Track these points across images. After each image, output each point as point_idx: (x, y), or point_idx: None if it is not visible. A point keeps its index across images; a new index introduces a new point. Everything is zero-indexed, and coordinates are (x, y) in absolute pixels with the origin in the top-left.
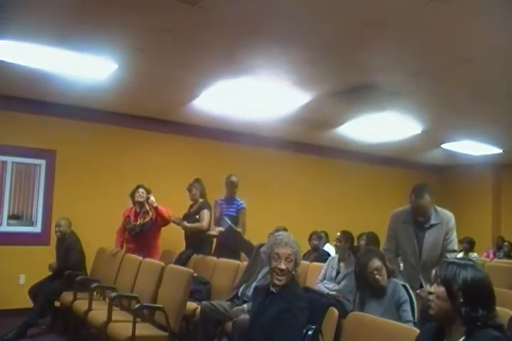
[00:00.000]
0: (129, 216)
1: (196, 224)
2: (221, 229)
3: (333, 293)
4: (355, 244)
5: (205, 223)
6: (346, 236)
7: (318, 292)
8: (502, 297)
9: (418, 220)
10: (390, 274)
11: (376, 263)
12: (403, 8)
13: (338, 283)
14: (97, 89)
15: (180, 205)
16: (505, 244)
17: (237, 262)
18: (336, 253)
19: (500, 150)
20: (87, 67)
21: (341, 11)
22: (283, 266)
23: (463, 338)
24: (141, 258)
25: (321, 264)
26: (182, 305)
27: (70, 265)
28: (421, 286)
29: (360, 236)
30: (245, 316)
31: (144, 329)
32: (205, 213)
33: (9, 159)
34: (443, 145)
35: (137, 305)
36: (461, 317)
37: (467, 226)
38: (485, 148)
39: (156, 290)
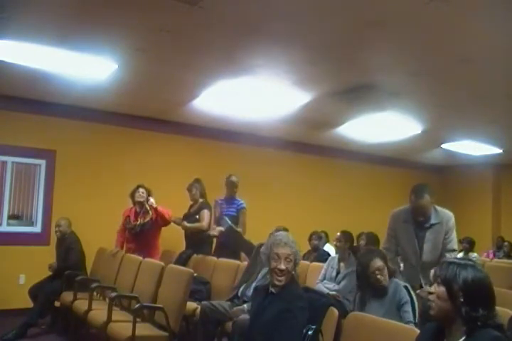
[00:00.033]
0: (129, 216)
1: (196, 224)
2: (221, 228)
3: (333, 293)
4: (355, 243)
5: (205, 223)
6: (346, 236)
7: (318, 292)
8: (502, 297)
9: (418, 220)
10: (392, 274)
11: (378, 263)
12: (403, 8)
13: (338, 283)
14: (97, 89)
15: (180, 205)
16: (505, 244)
17: (237, 262)
18: (336, 253)
19: (500, 150)
20: (87, 67)
21: (341, 11)
22: (283, 266)
23: (463, 338)
24: (141, 258)
25: (321, 264)
26: (182, 305)
27: (70, 265)
28: (421, 286)
29: (360, 236)
30: (245, 316)
31: (144, 329)
32: (205, 213)
33: (9, 159)
34: (443, 145)
35: (137, 305)
36: (462, 317)
37: (467, 226)
38: (485, 148)
39: (156, 290)
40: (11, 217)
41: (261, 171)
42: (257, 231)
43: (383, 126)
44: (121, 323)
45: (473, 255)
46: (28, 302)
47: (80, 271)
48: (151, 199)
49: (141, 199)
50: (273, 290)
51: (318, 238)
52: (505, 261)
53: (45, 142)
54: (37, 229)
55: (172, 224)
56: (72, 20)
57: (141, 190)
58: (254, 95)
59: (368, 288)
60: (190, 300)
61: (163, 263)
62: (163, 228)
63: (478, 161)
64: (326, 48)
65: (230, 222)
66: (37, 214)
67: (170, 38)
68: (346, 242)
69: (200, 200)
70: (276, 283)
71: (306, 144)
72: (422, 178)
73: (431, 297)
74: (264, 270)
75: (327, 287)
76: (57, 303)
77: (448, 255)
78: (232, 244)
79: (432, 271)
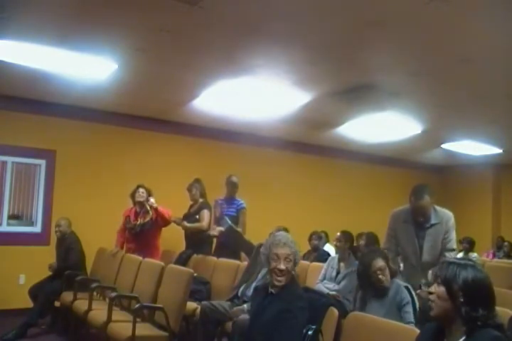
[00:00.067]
0: (129, 216)
1: (196, 224)
2: (221, 228)
3: (333, 293)
4: (354, 243)
5: (205, 223)
6: (346, 236)
7: (318, 292)
8: (502, 297)
9: (418, 221)
10: (393, 275)
11: (380, 263)
12: (403, 8)
13: (338, 283)
14: (97, 89)
15: (180, 205)
16: (505, 244)
17: (237, 262)
18: (336, 253)
19: (500, 150)
20: (87, 67)
21: (341, 11)
22: (282, 267)
23: (463, 338)
24: (141, 258)
25: (321, 264)
26: (182, 305)
27: (70, 265)
28: (421, 286)
29: (359, 236)
30: (245, 316)
31: (144, 329)
32: (205, 213)
33: (9, 159)
34: (443, 145)
35: (137, 305)
36: (462, 316)
37: (467, 226)
38: (485, 148)
39: (156, 290)
40: (11, 217)
41: (261, 171)
42: (257, 231)
43: (383, 126)
44: (121, 323)
45: (473, 255)
46: (28, 302)
47: (80, 271)
48: (152, 199)
49: (141, 199)
50: (272, 290)
51: (318, 238)
52: (505, 261)
53: (45, 142)
54: (37, 229)
55: (172, 224)
56: (72, 20)
57: (141, 190)
58: (254, 95)
59: (369, 288)
60: (190, 300)
61: (163, 263)
62: (163, 228)
63: (478, 161)
64: (326, 48)
65: (230, 222)
66: (37, 214)
67: (170, 38)
68: (346, 242)
69: (200, 200)
70: (276, 283)
71: (306, 144)
72: (422, 178)
73: (431, 297)
74: (264, 270)
75: (327, 287)
76: (57, 303)
77: (447, 254)
78: (232, 244)
79: (430, 272)
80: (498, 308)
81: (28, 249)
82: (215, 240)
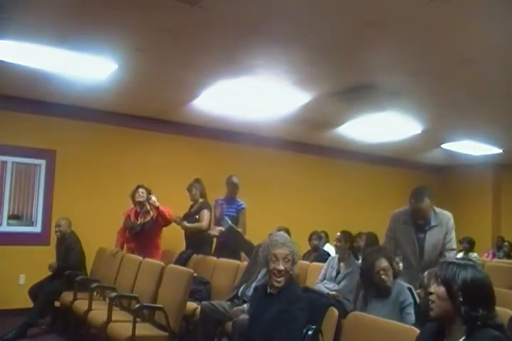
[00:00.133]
0: (129, 215)
1: (196, 224)
2: (221, 228)
3: (333, 293)
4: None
5: (205, 223)
6: (346, 236)
7: (318, 292)
8: (502, 297)
9: (418, 223)
10: (396, 275)
11: (383, 263)
12: (403, 8)
13: (338, 283)
14: (97, 89)
15: (180, 205)
16: (505, 244)
17: (237, 262)
18: (336, 253)
19: (500, 150)
20: (87, 67)
21: (341, 11)
22: (281, 267)
23: (463, 338)
24: (141, 258)
25: (321, 264)
26: (182, 305)
27: (70, 265)
28: (421, 286)
29: (358, 236)
30: (245, 316)
31: (144, 329)
32: (205, 213)
33: (9, 159)
34: (443, 145)
35: (137, 305)
36: (461, 316)
37: (467, 226)
38: (485, 148)
39: (156, 290)
40: (11, 217)
41: (261, 171)
42: (257, 231)
43: (383, 126)
44: (121, 323)
45: (473, 255)
46: (28, 302)
47: (80, 271)
48: (153, 198)
49: (141, 199)
50: (272, 291)
51: (318, 238)
52: (505, 261)
53: (45, 142)
54: (37, 229)
55: (172, 223)
56: (72, 20)
57: (140, 190)
58: (254, 95)
59: (372, 288)
60: (190, 300)
61: (163, 263)
62: (163, 228)
63: (478, 161)
64: (326, 48)
65: (230, 222)
66: (37, 214)
67: (170, 38)
68: (346, 242)
69: (200, 200)
70: (276, 284)
71: (306, 144)
72: (422, 178)
73: (431, 297)
74: (264, 270)
75: (327, 287)
76: (57, 303)
77: (447, 254)
78: (232, 244)
79: (426, 273)
80: (498, 308)
81: (28, 249)
82: (215, 240)
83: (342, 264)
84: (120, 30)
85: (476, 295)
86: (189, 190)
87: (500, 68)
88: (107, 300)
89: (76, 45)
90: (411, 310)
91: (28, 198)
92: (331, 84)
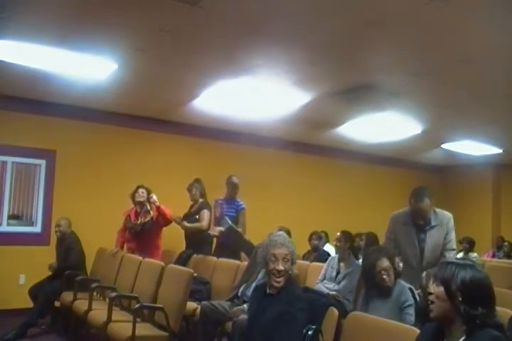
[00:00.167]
0: (129, 215)
1: (196, 224)
2: (221, 228)
3: (333, 293)
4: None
5: (204, 223)
6: (346, 236)
7: (318, 292)
8: (502, 297)
9: (418, 223)
10: (398, 275)
11: (385, 263)
12: (403, 8)
13: (338, 283)
14: (97, 89)
15: (180, 205)
16: (505, 244)
17: (237, 262)
18: (336, 253)
19: (500, 150)
20: (87, 67)
21: (341, 11)
22: (281, 267)
23: (463, 338)
24: (141, 258)
25: (321, 264)
26: (182, 305)
27: (70, 265)
28: (421, 287)
29: (358, 236)
30: (245, 316)
31: (144, 329)
32: (205, 213)
33: (9, 159)
34: (443, 145)
35: (137, 305)
36: (461, 316)
37: (467, 226)
38: (485, 148)
39: (156, 290)
40: (11, 217)
41: (261, 171)
42: (257, 231)
43: (383, 126)
44: (121, 323)
45: (473, 255)
46: (28, 302)
47: (80, 271)
48: (154, 197)
49: (142, 199)
50: (271, 291)
51: (318, 238)
52: (505, 261)
53: (45, 142)
54: (37, 229)
55: (172, 223)
56: (72, 20)
57: (140, 190)
58: (254, 95)
59: (373, 288)
60: (190, 300)
61: (163, 263)
62: (163, 228)
63: (478, 161)
64: (326, 48)
65: (230, 222)
66: (37, 214)
67: (170, 38)
68: (346, 242)
69: (200, 200)
70: (275, 284)
71: (306, 144)
72: (422, 178)
73: (430, 297)
74: (264, 270)
75: (327, 287)
76: (57, 303)
77: (447, 254)
78: (232, 244)
79: (424, 273)
80: (498, 308)
81: (28, 249)
82: (215, 240)
83: (342, 264)
84: (120, 30)
85: (475, 295)
86: (189, 190)
87: (500, 68)
88: (107, 300)
89: (76, 45)
90: (411, 310)
91: (28, 198)
92: (331, 84)
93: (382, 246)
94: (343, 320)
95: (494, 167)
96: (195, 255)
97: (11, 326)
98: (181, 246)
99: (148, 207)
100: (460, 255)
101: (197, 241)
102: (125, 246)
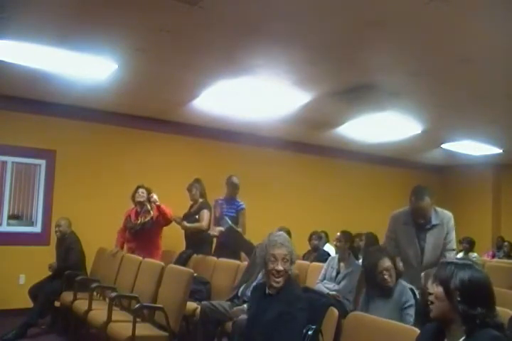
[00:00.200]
0: (130, 215)
1: (196, 224)
2: (221, 228)
3: (333, 293)
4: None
5: (204, 223)
6: (346, 236)
7: (318, 292)
8: (502, 297)
9: (418, 222)
10: (399, 276)
11: (386, 263)
12: (403, 8)
13: (338, 283)
14: (97, 89)
15: (180, 205)
16: (505, 244)
17: (237, 262)
18: (336, 253)
19: (500, 150)
20: (87, 67)
21: (341, 11)
22: (280, 267)
23: (463, 338)
24: (141, 258)
25: (321, 264)
26: (182, 305)
27: (70, 265)
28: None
29: (357, 236)
30: (245, 316)
31: (144, 329)
32: (205, 213)
33: (9, 159)
34: (443, 145)
35: (137, 305)
36: (460, 315)
37: (467, 226)
38: (485, 148)
39: (156, 290)
40: (11, 217)
41: (261, 171)
42: (257, 231)
43: (383, 126)
44: (121, 323)
45: (473, 255)
46: (28, 302)
47: (80, 271)
48: (155, 196)
49: (142, 199)
50: (270, 291)
51: (318, 238)
52: (505, 261)
53: (45, 142)
54: (37, 229)
55: (172, 223)
56: (72, 20)
57: (140, 190)
58: (254, 95)
59: (374, 288)
60: (190, 300)
61: (163, 263)
62: (163, 228)
63: (478, 161)
64: (326, 48)
65: (230, 222)
66: (37, 214)
67: (170, 38)
68: (346, 242)
69: (200, 200)
70: (275, 284)
71: (306, 144)
72: (422, 178)
73: (430, 298)
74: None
75: (327, 287)
76: (57, 303)
77: (448, 254)
78: (232, 244)
79: (423, 273)
80: (498, 308)
81: (28, 249)
82: (215, 240)
83: (342, 264)
84: (120, 30)
85: (474, 294)
86: (189, 190)
87: (500, 68)
88: (107, 300)
89: (76, 45)
90: (411, 311)
91: (28, 198)
92: (331, 84)
93: (382, 246)
94: (343, 320)
95: (494, 167)
96: (195, 255)
97: (11, 326)
98: (181, 246)
99: (149, 207)
100: (460, 255)
101: (197, 241)
102: (125, 246)
